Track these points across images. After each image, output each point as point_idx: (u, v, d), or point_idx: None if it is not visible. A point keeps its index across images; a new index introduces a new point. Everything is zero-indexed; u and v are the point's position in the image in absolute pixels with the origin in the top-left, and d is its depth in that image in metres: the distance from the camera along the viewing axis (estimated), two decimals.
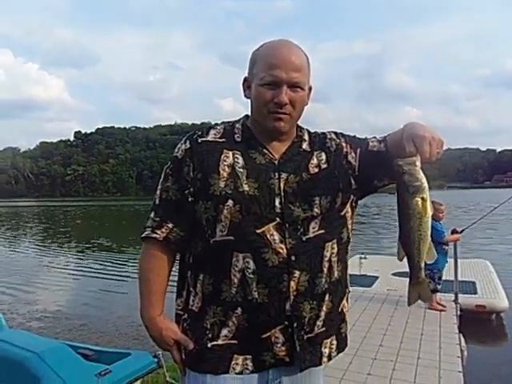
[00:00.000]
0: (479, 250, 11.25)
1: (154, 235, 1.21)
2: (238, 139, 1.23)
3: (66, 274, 10.74)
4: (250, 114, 1.26)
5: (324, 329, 1.23)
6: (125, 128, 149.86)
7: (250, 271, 1.13)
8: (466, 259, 6.24)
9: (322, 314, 1.22)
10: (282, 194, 1.17)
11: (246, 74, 1.24)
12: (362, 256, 7.17)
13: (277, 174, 1.18)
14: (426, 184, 1.12)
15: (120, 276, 9.97)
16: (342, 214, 1.24)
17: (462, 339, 4.15)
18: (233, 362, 1.17)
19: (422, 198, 1.12)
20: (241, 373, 1.17)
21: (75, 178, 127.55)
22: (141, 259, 1.27)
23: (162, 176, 1.24)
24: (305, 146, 1.27)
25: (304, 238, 1.17)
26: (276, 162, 1.21)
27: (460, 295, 5.22)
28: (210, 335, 1.18)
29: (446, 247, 5.02)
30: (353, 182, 1.26)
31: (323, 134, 1.32)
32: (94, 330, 6.03)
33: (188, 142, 1.22)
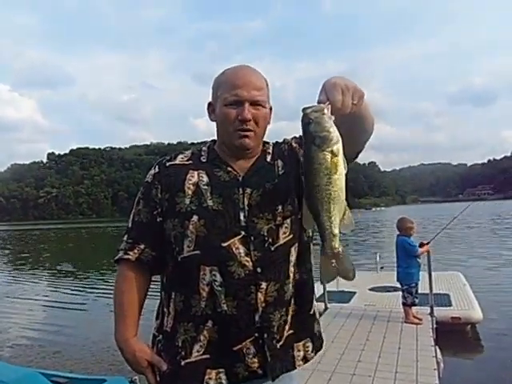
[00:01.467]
0: (450, 262, 11.49)
1: (127, 256, 1.26)
2: (204, 160, 1.30)
3: (37, 301, 10.41)
4: (216, 137, 1.33)
5: (292, 331, 1.26)
6: (100, 149, 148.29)
7: (217, 284, 1.17)
8: (439, 272, 6.36)
9: (289, 318, 1.25)
10: (247, 208, 1.21)
11: (210, 99, 1.31)
12: None
13: (241, 189, 1.23)
14: (336, 135, 0.97)
15: (93, 300, 9.74)
16: (299, 215, 1.22)
17: (438, 351, 4.20)
18: (206, 377, 1.18)
19: (332, 152, 0.96)
20: None
21: (48, 201, 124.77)
22: (116, 281, 1.30)
23: (135, 201, 1.32)
24: (269, 158, 1.32)
25: (273, 248, 1.20)
26: (240, 178, 1.25)
27: (435, 308, 5.29)
28: (182, 353, 1.20)
29: (420, 260, 5.15)
30: (298, 181, 1.25)
31: (282, 140, 1.38)
32: (68, 356, 5.84)
33: (157, 166, 1.30)
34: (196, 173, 1.25)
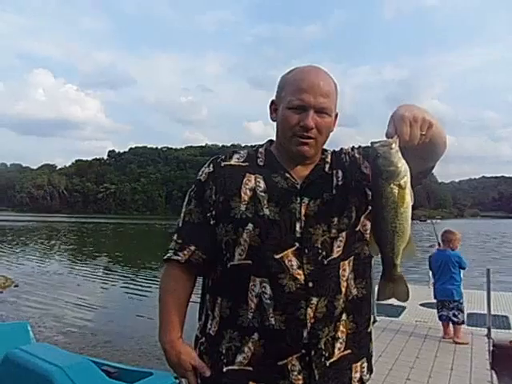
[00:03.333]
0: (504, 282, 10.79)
1: (176, 257, 1.22)
2: (261, 163, 1.24)
3: (94, 291, 10.91)
4: (275, 137, 1.27)
5: (349, 351, 1.19)
6: (156, 148, 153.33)
7: (266, 296, 1.12)
8: (497, 291, 6.00)
9: (340, 334, 1.17)
10: (303, 218, 1.15)
11: (274, 98, 1.25)
12: None
13: (298, 198, 1.17)
14: (404, 169, 0.98)
15: (146, 295, 10.05)
16: (357, 228, 1.20)
17: (494, 376, 3.95)
18: None
19: (399, 186, 0.98)
20: None
21: (107, 196, 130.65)
22: (162, 281, 1.27)
23: (186, 199, 1.26)
24: (327, 168, 1.25)
25: (325, 262, 1.15)
26: (298, 186, 1.19)
27: (493, 329, 4.99)
28: (224, 360, 1.17)
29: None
30: (368, 192, 1.19)
31: (340, 150, 1.31)
32: (117, 347, 6.08)
33: (211, 165, 1.24)
34: (253, 177, 1.19)
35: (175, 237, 1.25)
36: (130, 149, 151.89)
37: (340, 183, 1.22)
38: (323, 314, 1.14)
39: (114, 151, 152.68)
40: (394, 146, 0.97)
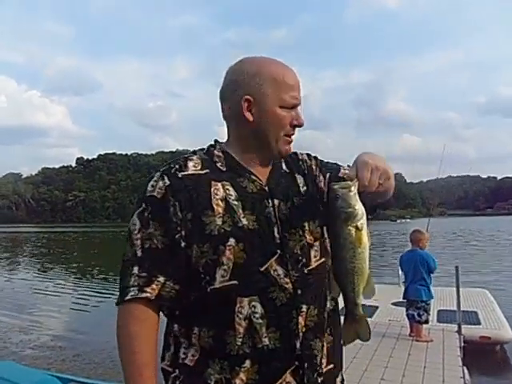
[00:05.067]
0: (475, 279, 11.13)
1: (144, 294, 1.00)
2: (222, 168, 1.10)
3: (61, 303, 10.58)
4: (237, 137, 1.14)
5: (332, 365, 1.12)
6: (126, 154, 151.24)
7: (257, 316, 1.00)
8: (465, 288, 6.15)
9: (324, 349, 1.10)
10: (279, 222, 1.07)
11: (247, 94, 1.08)
12: None
13: (270, 201, 1.08)
14: (361, 211, 1.02)
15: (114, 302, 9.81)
16: (325, 241, 1.15)
17: (466, 372, 4.02)
18: None
19: (356, 227, 1.01)
20: None
21: (76, 204, 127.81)
22: (122, 326, 1.02)
23: (137, 222, 1.04)
24: (284, 166, 1.19)
25: (306, 271, 1.07)
26: (266, 188, 1.10)
27: (463, 326, 5.09)
28: None
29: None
30: (321, 208, 1.17)
31: (295, 153, 1.24)
32: (87, 360, 5.88)
33: (165, 177, 1.05)
34: (220, 185, 1.05)
35: (135, 270, 1.01)
36: (99, 155, 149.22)
37: (303, 190, 1.17)
38: (314, 322, 1.07)
39: (82, 158, 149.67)
40: (352, 188, 1.00)
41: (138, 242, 1.03)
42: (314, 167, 1.24)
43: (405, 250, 5.48)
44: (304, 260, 1.08)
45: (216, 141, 1.17)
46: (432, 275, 5.02)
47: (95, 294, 11.30)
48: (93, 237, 44.72)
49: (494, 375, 5.18)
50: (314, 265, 1.09)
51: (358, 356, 4.31)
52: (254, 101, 1.08)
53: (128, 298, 1.00)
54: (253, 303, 1.00)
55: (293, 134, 1.12)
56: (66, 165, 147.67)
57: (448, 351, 4.49)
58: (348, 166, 1.23)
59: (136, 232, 1.04)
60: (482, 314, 6.08)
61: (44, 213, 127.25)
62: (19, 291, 12.29)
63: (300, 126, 1.12)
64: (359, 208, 1.01)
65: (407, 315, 4.99)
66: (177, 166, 1.07)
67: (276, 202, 1.09)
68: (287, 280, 1.03)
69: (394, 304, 6.60)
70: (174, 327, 1.07)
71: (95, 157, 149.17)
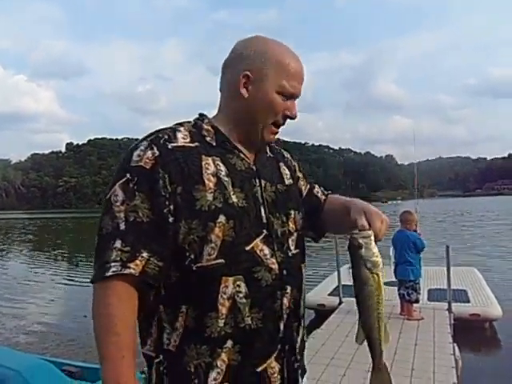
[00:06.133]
0: (465, 258, 11.29)
1: (128, 270, 0.92)
2: (213, 143, 1.06)
3: (56, 288, 10.58)
4: (229, 111, 1.10)
5: (299, 363, 1.12)
6: (117, 139, 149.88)
7: (241, 296, 0.98)
8: (454, 267, 6.25)
9: (300, 336, 1.11)
10: (265, 202, 1.06)
11: (247, 69, 1.05)
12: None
13: (257, 180, 1.07)
14: (380, 260, 1.06)
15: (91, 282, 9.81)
16: (302, 235, 1.17)
17: (457, 349, 4.10)
18: None
19: (378, 275, 1.05)
20: None
21: (67, 190, 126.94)
22: (102, 305, 0.93)
23: (120, 193, 0.96)
24: (268, 151, 1.20)
25: (290, 254, 1.07)
26: (253, 167, 1.09)
27: (453, 304, 5.18)
28: (196, 381, 0.98)
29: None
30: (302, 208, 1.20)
31: (277, 144, 1.24)
32: (82, 345, 5.90)
33: (154, 148, 0.98)
34: (210, 160, 1.02)
35: (118, 244, 0.93)
36: (89, 141, 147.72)
37: (289, 181, 1.19)
38: (295, 306, 1.07)
39: (71, 144, 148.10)
40: (372, 238, 1.05)
41: (121, 214, 0.95)
42: (297, 169, 1.27)
43: (394, 231, 5.52)
44: (286, 244, 1.07)
45: (202, 114, 1.13)
46: (421, 255, 5.08)
47: (87, 280, 11.28)
48: (85, 223, 44.56)
49: (483, 351, 5.30)
50: (294, 251, 1.10)
51: (351, 335, 4.38)
52: (252, 78, 1.05)
53: (109, 273, 0.92)
54: (237, 282, 0.98)
55: (281, 124, 1.10)
56: (55, 150, 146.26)
57: (438, 329, 4.58)
58: (316, 184, 1.35)
59: (118, 204, 0.95)
60: (472, 292, 6.18)
61: (34, 199, 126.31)
62: (11, 277, 12.24)
63: (292, 118, 1.09)
64: (379, 256, 1.06)
65: (398, 294, 5.06)
66: (166, 137, 1.01)
67: (263, 182, 1.08)
68: (273, 260, 1.02)
69: (385, 284, 6.65)
70: (160, 308, 1.01)
71: (85, 142, 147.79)
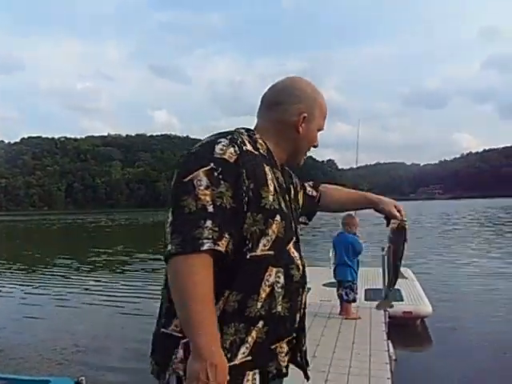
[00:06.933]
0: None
1: (219, 248, 1.06)
2: (266, 155, 1.24)
3: None
4: (278, 136, 1.30)
5: (304, 346, 1.34)
6: (53, 138, 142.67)
7: (279, 285, 1.16)
8: None
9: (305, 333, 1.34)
10: (292, 213, 1.28)
11: (305, 111, 1.30)
12: None
13: (287, 195, 1.28)
14: None
15: (39, 296, 9.37)
16: None
17: (391, 345, 4.30)
18: (244, 380, 1.13)
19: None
20: None
21: None
22: (194, 274, 1.03)
23: (204, 179, 1.08)
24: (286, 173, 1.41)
25: (303, 260, 1.29)
26: (284, 184, 1.28)
27: None
28: (228, 355, 1.10)
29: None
30: None
31: (287, 168, 1.45)
32: (12, 355, 5.53)
33: (235, 146, 1.13)
34: (267, 168, 1.19)
35: (209, 223, 1.05)
36: (22, 139, 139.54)
37: (301, 202, 1.48)
38: (306, 301, 1.30)
39: (3, 142, 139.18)
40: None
41: (207, 198, 1.07)
42: (299, 186, 1.54)
43: (335, 233, 5.70)
44: (301, 251, 1.29)
45: (250, 129, 1.30)
46: (359, 257, 5.28)
47: (19, 287, 10.65)
48: (15, 227, 41.97)
49: (415, 347, 5.59)
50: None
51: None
52: (307, 118, 1.30)
53: (205, 248, 1.03)
54: (278, 274, 1.16)
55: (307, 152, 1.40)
56: None
57: (374, 327, 4.77)
58: (307, 182, 1.64)
59: (203, 188, 1.07)
60: (405, 291, 6.48)
61: None
62: None
63: (316, 147, 1.38)
64: None
65: (337, 295, 5.23)
66: (240, 139, 1.17)
67: (290, 198, 1.31)
68: (300, 262, 1.24)
69: (325, 285, 6.86)
70: None
71: (18, 140, 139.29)
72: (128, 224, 45.46)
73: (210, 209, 1.06)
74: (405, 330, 5.57)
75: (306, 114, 1.29)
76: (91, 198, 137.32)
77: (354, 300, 5.20)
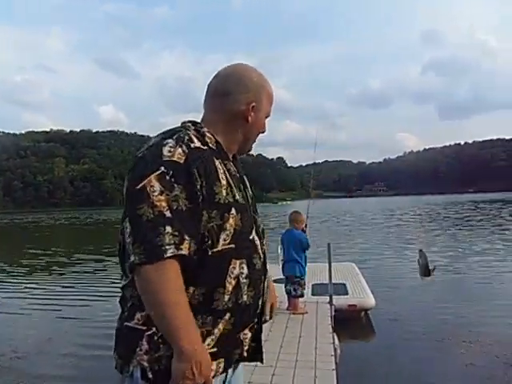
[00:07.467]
0: (343, 253, 12.29)
1: (182, 252, 1.07)
2: (214, 148, 1.24)
3: None
4: (224, 126, 1.29)
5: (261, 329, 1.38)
6: None
7: (243, 276, 1.19)
8: (335, 263, 6.79)
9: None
10: (249, 202, 1.30)
11: (254, 100, 1.30)
12: None
13: (242, 185, 1.29)
14: None
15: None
16: None
17: (336, 338, 4.43)
18: None
19: None
20: (213, 377, 1.16)
21: None
22: (164, 281, 1.05)
23: (157, 185, 1.08)
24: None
25: (264, 247, 1.33)
26: (237, 174, 1.29)
27: (334, 296, 5.58)
28: None
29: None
30: None
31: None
32: None
33: (183, 146, 1.14)
34: (218, 162, 1.21)
35: (169, 229, 1.06)
36: None
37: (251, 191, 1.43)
38: (266, 287, 1.33)
39: None
40: None
41: (163, 203, 1.07)
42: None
43: (284, 230, 5.78)
44: (263, 239, 1.33)
45: (197, 122, 1.29)
46: (306, 252, 5.39)
47: None
48: None
49: (359, 338, 5.79)
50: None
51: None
52: (256, 107, 1.30)
53: (169, 254, 1.05)
54: (242, 265, 1.19)
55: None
56: None
57: (321, 320, 4.90)
58: None
59: (157, 194, 1.08)
60: (350, 285, 6.71)
61: None
62: None
63: (263, 132, 1.39)
64: None
65: (285, 291, 5.31)
66: (186, 138, 1.17)
67: (245, 187, 1.32)
68: (261, 250, 1.28)
69: (274, 281, 6.91)
70: None
71: None
72: (70, 224, 43.73)
73: (168, 214, 1.07)
74: (350, 323, 5.76)
75: (254, 104, 1.30)
76: (33, 197, 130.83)
77: (302, 295, 5.30)
